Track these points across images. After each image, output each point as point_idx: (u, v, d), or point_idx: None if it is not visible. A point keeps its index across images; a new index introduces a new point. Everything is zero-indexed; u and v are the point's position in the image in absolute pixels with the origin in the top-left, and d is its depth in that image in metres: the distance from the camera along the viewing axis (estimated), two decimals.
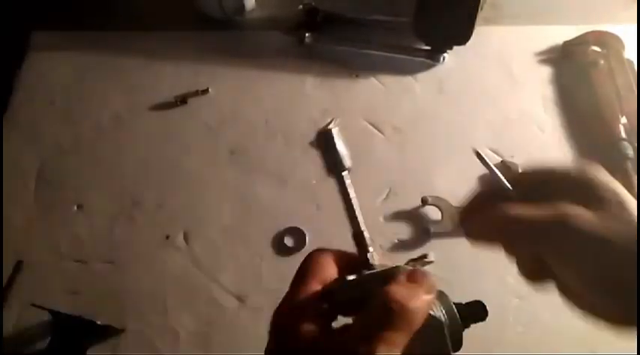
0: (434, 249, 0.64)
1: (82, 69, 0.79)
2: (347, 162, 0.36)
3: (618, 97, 0.71)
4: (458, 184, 0.68)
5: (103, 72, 0.79)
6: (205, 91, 0.76)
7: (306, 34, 0.78)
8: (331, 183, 0.71)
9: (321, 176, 0.69)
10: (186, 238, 0.65)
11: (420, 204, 0.66)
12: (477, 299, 0.36)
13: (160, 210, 0.67)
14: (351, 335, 0.29)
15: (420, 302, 0.30)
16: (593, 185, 0.33)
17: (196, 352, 0.58)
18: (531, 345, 0.58)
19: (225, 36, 0.82)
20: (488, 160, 0.36)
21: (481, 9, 0.72)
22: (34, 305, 0.56)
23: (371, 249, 0.35)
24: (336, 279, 0.33)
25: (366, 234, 0.35)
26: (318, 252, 0.35)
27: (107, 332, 0.58)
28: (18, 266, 0.63)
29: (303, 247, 0.64)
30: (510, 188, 0.36)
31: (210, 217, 0.66)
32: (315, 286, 0.33)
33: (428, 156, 0.71)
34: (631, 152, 0.67)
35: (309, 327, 0.30)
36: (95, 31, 0.82)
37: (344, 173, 0.36)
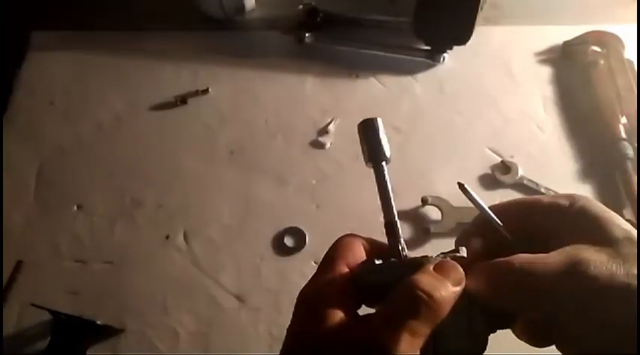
0: (434, 249, 0.64)
1: (82, 69, 0.79)
2: (387, 152, 0.35)
3: (618, 97, 0.71)
4: None
5: (103, 72, 0.79)
6: (205, 91, 0.76)
7: (306, 34, 0.78)
8: (331, 183, 0.71)
9: (321, 176, 0.69)
10: (186, 238, 0.65)
11: (420, 204, 0.66)
12: None
13: (159, 210, 0.67)
14: (376, 322, 0.29)
15: (447, 293, 0.29)
16: (598, 223, 0.30)
17: (196, 352, 0.58)
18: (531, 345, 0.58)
19: (225, 36, 0.82)
20: (475, 195, 0.34)
21: (481, 9, 0.72)
22: (34, 305, 0.56)
23: (402, 240, 0.34)
24: (362, 262, 0.33)
25: (399, 225, 0.35)
26: (349, 236, 0.35)
27: (107, 332, 0.58)
28: (18, 267, 0.63)
29: (303, 247, 0.64)
30: (505, 233, 0.33)
31: (210, 217, 0.66)
32: (343, 269, 0.32)
33: (428, 156, 0.71)
34: (631, 152, 0.67)
35: (333, 311, 0.29)
36: (95, 31, 0.82)
37: (383, 163, 0.35)
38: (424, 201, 0.65)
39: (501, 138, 0.72)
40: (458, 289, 0.30)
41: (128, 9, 0.85)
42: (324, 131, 0.73)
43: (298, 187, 0.68)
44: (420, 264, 0.32)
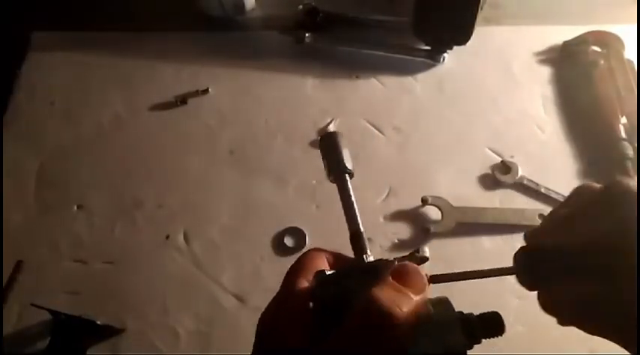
0: (434, 249, 0.64)
1: (82, 69, 0.79)
2: (349, 164, 0.35)
3: (618, 97, 0.71)
4: (458, 184, 0.68)
5: (103, 72, 0.79)
6: (205, 91, 0.76)
7: (306, 34, 0.78)
8: (331, 183, 0.71)
9: (321, 176, 0.69)
10: (186, 238, 0.65)
11: (420, 204, 0.66)
12: (494, 310, 0.32)
13: (159, 210, 0.67)
14: (333, 344, 0.26)
15: (409, 307, 0.27)
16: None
17: (196, 352, 0.58)
18: (531, 345, 0.58)
19: (225, 36, 0.82)
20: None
21: (481, 9, 0.72)
22: (34, 305, 0.56)
23: (369, 252, 0.32)
24: (315, 273, 0.31)
25: (365, 237, 0.33)
26: (313, 251, 0.34)
27: (107, 332, 0.58)
28: (18, 266, 0.63)
29: (303, 247, 0.64)
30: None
31: (210, 217, 0.66)
32: (303, 285, 0.30)
33: (428, 156, 0.71)
34: (631, 152, 0.67)
35: (292, 331, 0.28)
36: (95, 31, 0.82)
37: (345, 175, 0.35)
38: (424, 201, 0.65)
39: (501, 138, 0.72)
40: (420, 297, 0.28)
41: (128, 9, 0.85)
42: (324, 131, 0.73)
43: (298, 187, 0.68)
44: (377, 271, 0.29)
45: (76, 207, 0.67)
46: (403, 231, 0.65)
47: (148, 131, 0.73)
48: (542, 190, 0.67)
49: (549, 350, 0.58)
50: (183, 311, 0.60)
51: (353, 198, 0.35)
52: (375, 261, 0.31)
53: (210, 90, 0.76)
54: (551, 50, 0.79)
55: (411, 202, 0.66)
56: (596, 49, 0.76)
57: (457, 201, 0.65)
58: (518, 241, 0.64)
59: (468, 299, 0.54)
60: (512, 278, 0.68)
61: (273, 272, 0.63)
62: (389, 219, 0.66)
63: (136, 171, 0.70)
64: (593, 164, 0.69)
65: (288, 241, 0.64)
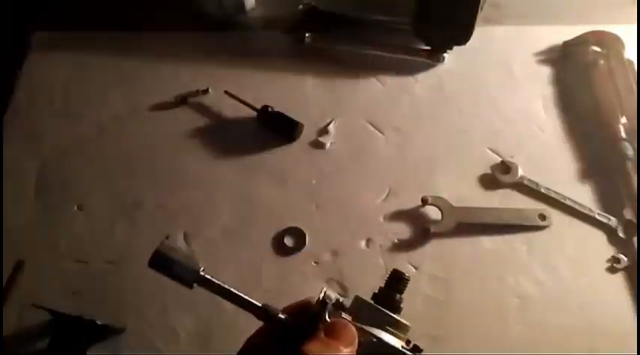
0: (434, 249, 0.64)
1: (82, 69, 0.79)
2: (195, 265, 0.34)
3: (618, 97, 0.71)
4: (458, 184, 0.68)
5: (103, 72, 0.79)
6: (205, 91, 0.76)
7: (306, 34, 0.78)
8: (331, 183, 0.71)
9: (321, 176, 0.69)
10: (186, 238, 0.65)
11: (420, 204, 0.66)
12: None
13: (159, 210, 0.67)
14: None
15: None
16: None
17: (196, 352, 0.58)
18: (531, 345, 0.58)
19: (225, 36, 0.82)
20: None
21: (481, 9, 0.72)
22: (34, 305, 0.56)
23: (281, 315, 0.34)
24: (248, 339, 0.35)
25: (269, 304, 0.34)
26: None
27: (107, 332, 0.58)
28: (18, 266, 0.63)
29: (303, 247, 0.64)
30: None
31: (210, 217, 0.66)
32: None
33: (428, 156, 0.71)
34: (631, 152, 0.67)
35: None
36: (95, 31, 0.82)
37: (203, 273, 0.34)
38: (424, 201, 0.65)
39: (501, 138, 0.72)
40: (350, 350, 0.30)
41: (128, 9, 0.85)
42: (324, 131, 0.73)
43: (298, 187, 0.68)
44: (310, 329, 0.32)
45: (76, 207, 0.67)
46: (403, 231, 0.65)
47: (148, 131, 0.73)
48: (542, 190, 0.67)
49: (549, 350, 0.58)
50: (183, 311, 0.60)
51: (227, 286, 0.35)
52: (308, 320, 0.33)
53: (210, 90, 0.76)
54: (551, 50, 0.79)
55: (411, 202, 0.66)
56: (596, 49, 0.76)
57: (457, 201, 0.65)
58: (518, 241, 0.64)
59: (469, 298, 0.54)
60: (512, 278, 0.68)
61: (273, 272, 0.63)
62: (389, 219, 0.66)
63: (136, 171, 0.70)
64: (593, 164, 0.69)
65: (288, 241, 0.64)
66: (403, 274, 0.39)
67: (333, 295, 0.34)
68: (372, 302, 0.37)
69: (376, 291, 0.38)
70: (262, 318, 0.34)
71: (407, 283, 0.39)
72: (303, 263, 0.63)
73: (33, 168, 0.70)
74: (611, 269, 0.62)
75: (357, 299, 0.37)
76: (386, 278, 0.39)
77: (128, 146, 0.72)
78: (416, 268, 0.62)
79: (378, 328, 0.35)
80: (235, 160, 0.71)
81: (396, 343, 0.35)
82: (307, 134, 0.72)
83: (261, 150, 0.71)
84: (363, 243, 0.64)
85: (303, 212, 0.66)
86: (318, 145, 0.72)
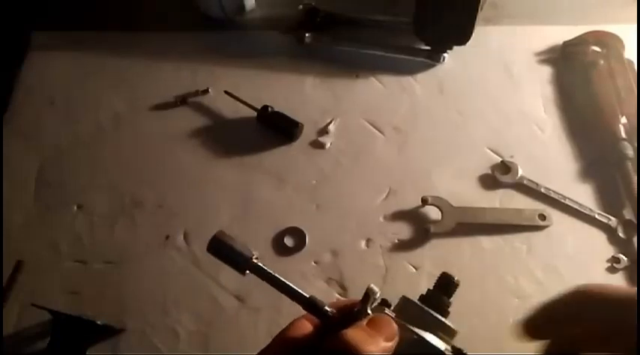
0: (434, 249, 0.64)
1: (82, 69, 0.79)
2: (249, 252, 0.35)
3: (618, 97, 0.71)
4: (458, 184, 0.68)
5: (103, 72, 0.79)
6: (205, 91, 0.76)
7: (306, 34, 0.78)
8: (331, 183, 0.71)
9: (321, 176, 0.69)
10: (186, 238, 0.65)
11: (420, 204, 0.66)
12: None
13: (159, 210, 0.67)
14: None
15: (377, 349, 0.29)
16: None
17: (196, 352, 0.58)
18: (531, 345, 0.58)
19: (225, 36, 0.82)
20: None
21: (481, 9, 0.72)
22: (34, 305, 0.56)
23: (327, 307, 0.34)
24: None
25: (315, 297, 0.35)
26: (296, 321, 0.36)
27: (107, 332, 0.58)
28: (18, 266, 0.63)
29: (303, 247, 0.64)
30: None
31: (210, 217, 0.66)
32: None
33: (428, 156, 0.71)
34: (631, 152, 0.67)
35: None
36: (95, 31, 0.82)
37: (255, 260, 0.35)
38: (424, 201, 0.65)
39: (501, 138, 0.72)
40: (390, 344, 0.30)
41: (128, 9, 0.85)
42: (324, 131, 0.73)
43: (298, 187, 0.68)
44: (353, 319, 0.32)
45: (76, 207, 0.67)
46: (403, 231, 0.65)
47: (147, 131, 0.73)
48: (542, 190, 0.67)
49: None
50: (183, 311, 0.60)
51: (277, 275, 0.35)
52: (355, 310, 0.33)
53: (210, 90, 0.76)
54: (551, 50, 0.79)
55: (411, 202, 0.66)
56: (596, 49, 0.76)
57: (457, 201, 0.65)
58: (518, 241, 0.64)
59: (469, 298, 0.54)
60: (512, 278, 0.68)
61: (273, 272, 0.63)
62: (389, 219, 0.66)
63: (136, 171, 0.70)
64: (593, 164, 0.69)
65: (288, 241, 0.64)
66: (453, 278, 0.38)
67: (377, 290, 0.34)
68: (418, 302, 0.36)
69: (423, 293, 0.38)
70: (309, 309, 0.34)
71: (456, 288, 0.38)
72: (303, 263, 0.63)
73: (33, 168, 0.70)
74: (611, 270, 0.62)
75: (404, 299, 0.36)
76: (435, 281, 0.39)
77: (128, 146, 0.72)
78: (416, 268, 0.62)
79: (422, 329, 0.34)
80: (235, 160, 0.71)
81: (440, 344, 0.34)
82: (307, 134, 0.72)
83: (261, 150, 0.71)
84: (363, 243, 0.64)
85: (303, 212, 0.66)
86: (318, 145, 0.72)
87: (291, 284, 0.34)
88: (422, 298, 0.37)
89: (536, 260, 0.63)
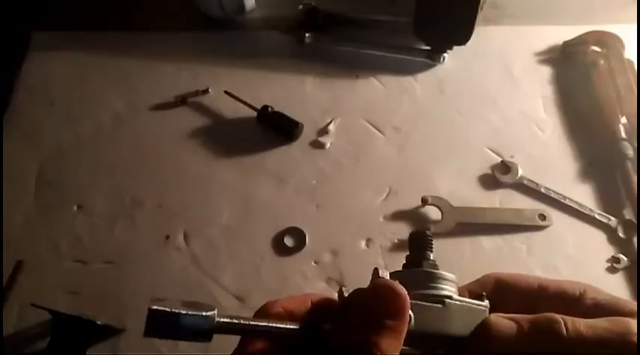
0: (434, 250, 0.64)
1: (82, 69, 0.79)
2: (208, 306, 0.28)
3: (618, 97, 0.71)
4: (458, 184, 0.68)
5: (103, 72, 0.79)
6: (205, 91, 0.76)
7: (306, 34, 0.78)
8: (331, 183, 0.71)
9: (321, 176, 0.69)
10: (186, 238, 0.65)
11: (420, 204, 0.66)
12: None
13: (159, 210, 0.67)
14: (354, 322, 0.27)
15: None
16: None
17: (196, 352, 0.58)
18: None
19: (225, 36, 0.82)
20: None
21: (481, 9, 0.72)
22: (34, 305, 0.56)
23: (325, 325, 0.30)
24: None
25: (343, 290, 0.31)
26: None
27: (107, 332, 0.58)
28: (18, 266, 0.63)
29: (303, 247, 0.64)
30: None
31: (210, 217, 0.66)
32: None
33: (428, 156, 0.71)
34: (631, 152, 0.67)
35: None
36: (95, 31, 0.82)
37: (219, 318, 0.27)
38: (424, 201, 0.65)
39: (501, 138, 0.72)
40: (396, 322, 0.28)
41: (128, 9, 0.85)
42: (324, 131, 0.73)
43: (298, 187, 0.68)
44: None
45: (76, 207, 0.67)
46: (403, 231, 0.65)
47: (148, 131, 0.73)
48: (542, 190, 0.67)
49: None
50: None
51: (255, 321, 0.29)
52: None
53: (210, 90, 0.76)
54: (551, 50, 0.79)
55: (411, 202, 0.66)
56: (596, 49, 0.76)
57: (457, 201, 0.65)
58: (518, 241, 0.64)
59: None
60: None
61: (273, 272, 0.63)
62: (389, 219, 0.66)
63: (136, 171, 0.70)
64: (593, 164, 0.69)
65: (288, 241, 0.64)
66: (424, 232, 0.35)
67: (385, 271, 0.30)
68: (406, 269, 0.33)
69: (404, 262, 0.34)
70: (307, 338, 0.28)
71: (432, 240, 0.35)
72: (303, 263, 0.63)
73: (33, 168, 0.70)
74: (611, 270, 0.62)
75: (391, 274, 0.31)
76: (409, 243, 0.35)
77: (128, 146, 0.72)
78: None
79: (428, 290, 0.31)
80: (235, 160, 0.71)
81: (472, 301, 0.31)
82: (307, 134, 0.72)
83: (261, 150, 0.71)
84: (363, 243, 0.64)
85: (303, 212, 0.66)
86: (318, 145, 0.72)
87: (277, 324, 0.28)
88: (406, 265, 0.34)
89: (536, 260, 0.63)
